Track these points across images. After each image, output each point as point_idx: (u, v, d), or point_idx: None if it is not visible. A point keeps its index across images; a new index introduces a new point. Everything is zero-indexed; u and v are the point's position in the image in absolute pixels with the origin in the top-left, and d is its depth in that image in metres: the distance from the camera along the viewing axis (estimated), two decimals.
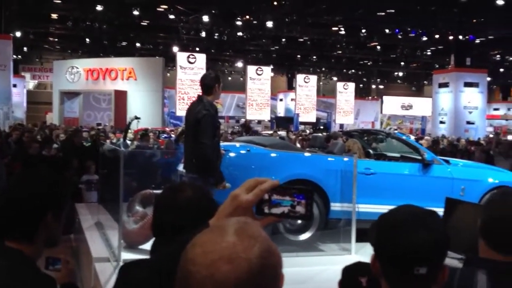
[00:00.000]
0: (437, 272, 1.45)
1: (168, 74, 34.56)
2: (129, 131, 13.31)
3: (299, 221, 6.61)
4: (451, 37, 27.82)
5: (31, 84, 39.68)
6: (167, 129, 20.85)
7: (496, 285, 1.75)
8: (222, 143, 8.04)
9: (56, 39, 35.02)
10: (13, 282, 1.64)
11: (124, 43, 34.62)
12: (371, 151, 8.29)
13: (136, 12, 24.92)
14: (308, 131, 20.93)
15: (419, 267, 1.41)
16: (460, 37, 27.33)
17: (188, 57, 25.56)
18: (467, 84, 27.99)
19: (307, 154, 7.27)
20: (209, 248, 0.93)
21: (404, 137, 8.27)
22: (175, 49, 30.49)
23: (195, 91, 24.54)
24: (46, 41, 35.49)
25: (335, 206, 6.70)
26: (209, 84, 5.38)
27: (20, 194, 1.75)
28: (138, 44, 34.38)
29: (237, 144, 7.23)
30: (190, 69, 25.19)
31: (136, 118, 12.63)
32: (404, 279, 1.44)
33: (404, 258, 1.43)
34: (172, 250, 1.37)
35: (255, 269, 0.91)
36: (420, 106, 38.60)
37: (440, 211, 5.24)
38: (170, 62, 30.88)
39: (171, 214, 1.68)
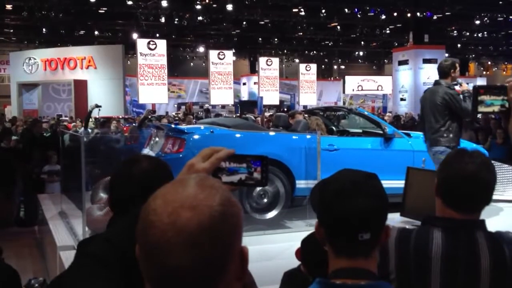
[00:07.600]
0: (380, 234, 1.46)
1: (129, 62, 34.01)
2: (90, 119, 13.08)
3: (265, 200, 6.67)
4: (409, 15, 28.12)
5: None
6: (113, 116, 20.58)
7: (452, 239, 1.79)
8: (185, 126, 7.98)
9: (12, 30, 34.00)
10: None
11: (82, 32, 33.81)
12: (334, 128, 8.36)
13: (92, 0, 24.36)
14: (270, 112, 21.01)
15: (363, 233, 1.42)
16: (418, 14, 27.64)
17: (149, 43, 25.18)
18: (426, 61, 28.42)
19: (271, 133, 7.29)
20: (171, 198, 0.93)
21: (365, 113, 8.36)
22: (135, 36, 29.96)
23: (156, 78, 24.27)
24: (1, 33, 34.42)
25: (301, 184, 6.75)
26: (444, 71, 6.41)
27: None
28: (96, 32, 33.64)
29: (201, 126, 7.20)
30: (151, 55, 24.86)
31: (97, 106, 12.40)
32: (348, 245, 1.44)
33: (347, 226, 1.43)
34: (125, 222, 1.35)
35: (217, 216, 0.92)
36: (381, 84, 39.01)
37: (403, 183, 5.33)
38: (130, 49, 30.33)
39: (125, 187, 1.65)
